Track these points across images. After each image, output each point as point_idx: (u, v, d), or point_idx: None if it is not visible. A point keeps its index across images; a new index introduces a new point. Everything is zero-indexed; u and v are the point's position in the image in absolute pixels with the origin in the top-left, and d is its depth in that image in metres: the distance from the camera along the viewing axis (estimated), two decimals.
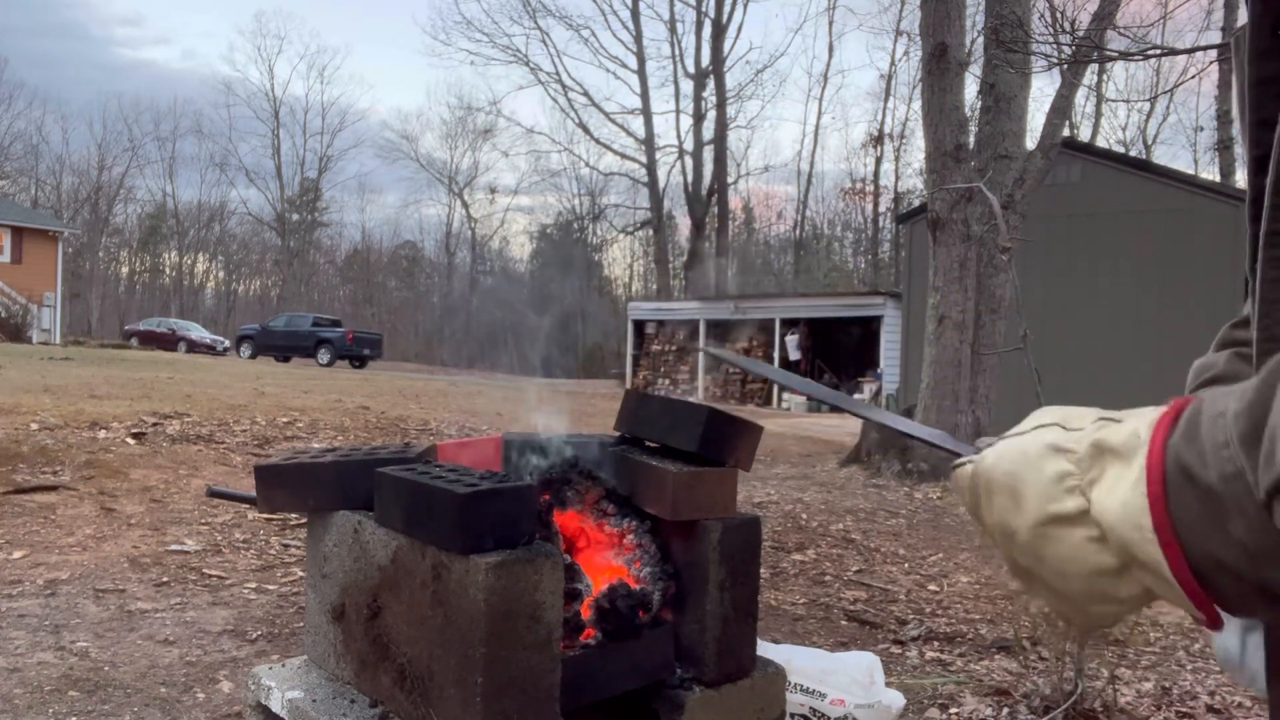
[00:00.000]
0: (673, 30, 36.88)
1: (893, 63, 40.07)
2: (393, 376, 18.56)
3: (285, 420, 7.79)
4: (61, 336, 29.37)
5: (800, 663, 2.39)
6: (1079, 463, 0.53)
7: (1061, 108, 8.85)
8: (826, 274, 42.67)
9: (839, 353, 23.33)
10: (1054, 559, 0.54)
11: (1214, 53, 6.41)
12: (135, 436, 6.25)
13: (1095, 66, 16.66)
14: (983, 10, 9.22)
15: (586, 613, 1.56)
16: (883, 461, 8.37)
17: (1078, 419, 0.56)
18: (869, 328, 22.37)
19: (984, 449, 0.61)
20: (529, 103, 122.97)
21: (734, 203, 41.25)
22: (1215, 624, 0.51)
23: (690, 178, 35.87)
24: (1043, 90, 17.30)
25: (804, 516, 6.11)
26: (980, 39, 9.98)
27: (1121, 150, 30.26)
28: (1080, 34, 6.46)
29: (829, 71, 56.86)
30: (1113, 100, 34.09)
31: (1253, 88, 0.62)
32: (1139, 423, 0.52)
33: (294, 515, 3.92)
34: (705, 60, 35.78)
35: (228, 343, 31.77)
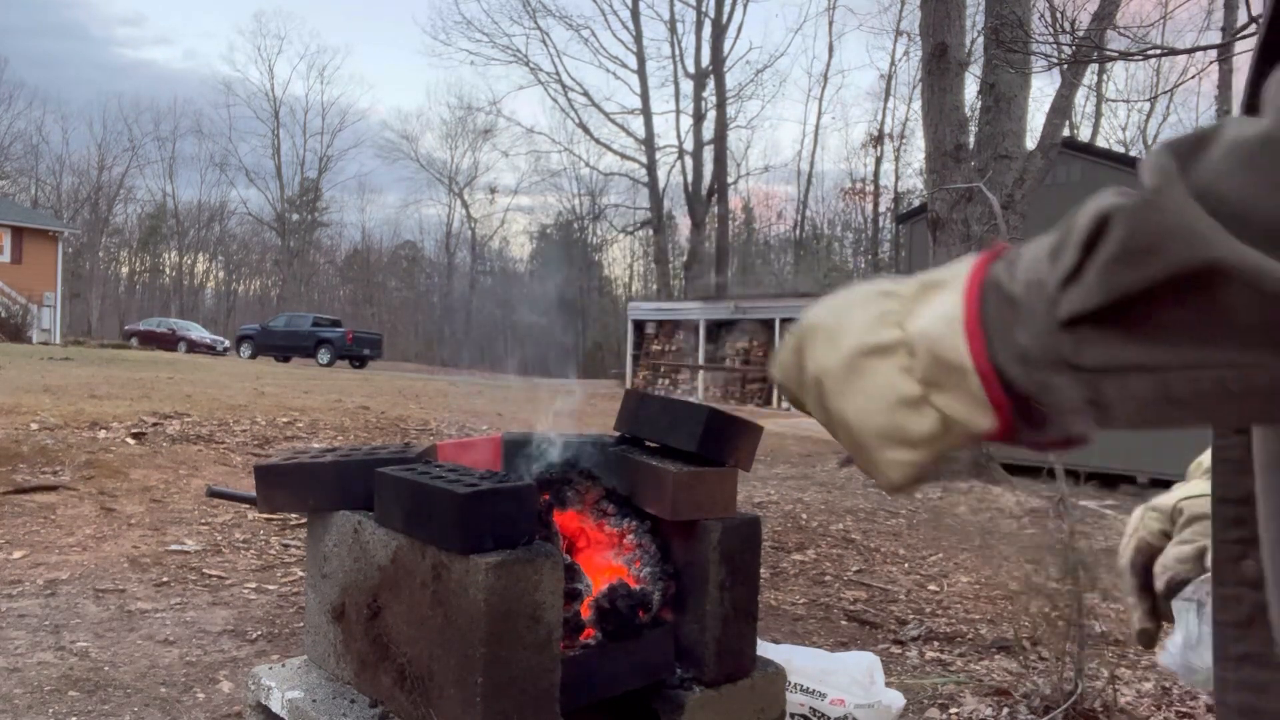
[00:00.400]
0: (673, 30, 36.91)
1: (893, 63, 40.08)
2: (393, 376, 18.56)
3: (285, 420, 7.79)
4: (61, 336, 29.36)
5: (800, 663, 2.39)
6: (903, 301, 0.54)
7: (1061, 108, 8.84)
8: (826, 274, 42.67)
9: None
10: (860, 394, 0.53)
11: (1214, 53, 6.41)
12: (135, 436, 6.25)
13: (1095, 66, 16.66)
14: (983, 10, 9.23)
15: (586, 613, 1.56)
16: None
17: (910, 280, 0.57)
18: None
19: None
20: (529, 103, 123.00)
21: (734, 203, 41.26)
22: (1007, 429, 0.51)
23: (690, 178, 35.86)
24: (1043, 90, 17.30)
25: (804, 516, 6.11)
26: (980, 39, 9.99)
27: (1121, 150, 30.27)
28: (1080, 34, 6.46)
29: (829, 71, 56.85)
30: (1113, 100, 34.13)
31: (1249, 85, 0.61)
32: (961, 265, 0.53)
33: (294, 515, 3.92)
34: (705, 60, 35.79)
35: (228, 343, 31.76)
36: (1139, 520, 0.82)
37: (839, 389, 0.54)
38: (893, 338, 0.53)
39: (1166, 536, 0.79)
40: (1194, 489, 0.77)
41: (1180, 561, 0.75)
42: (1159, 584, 0.76)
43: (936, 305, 0.52)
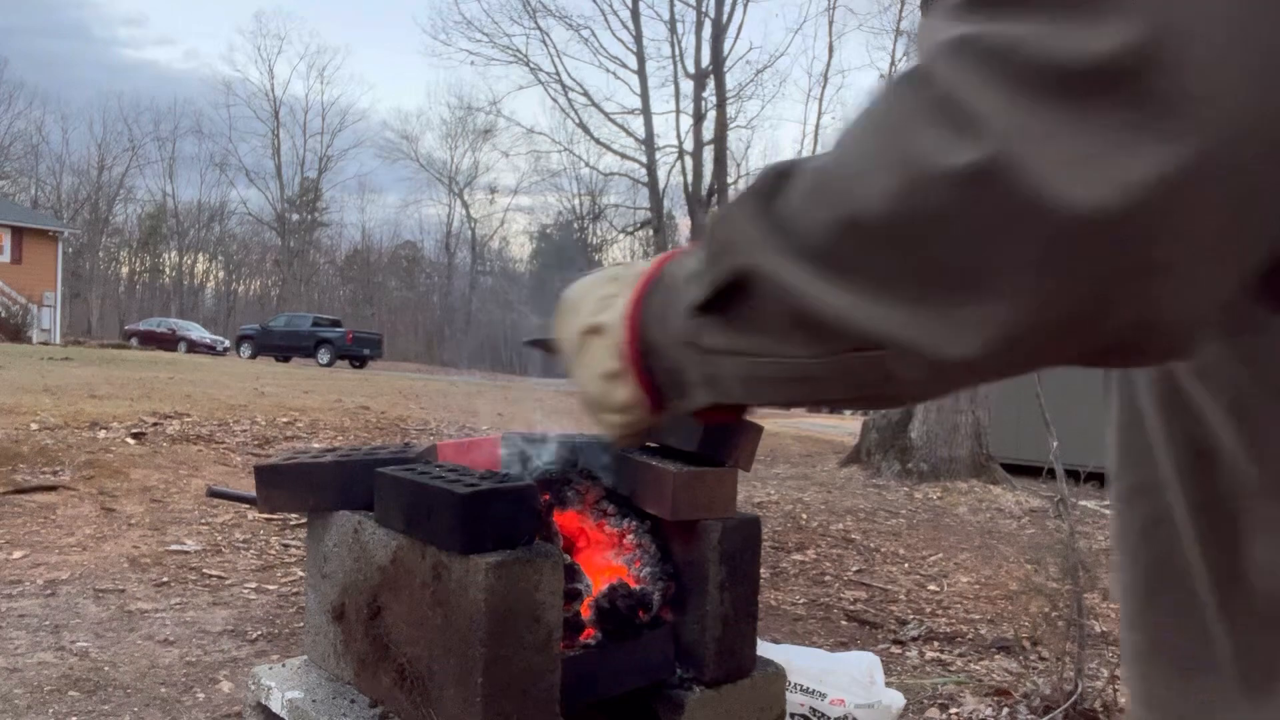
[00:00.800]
0: (673, 30, 36.83)
1: (893, 63, 40.03)
2: (393, 376, 18.57)
3: (285, 420, 7.79)
4: (61, 337, 29.36)
5: (800, 663, 2.39)
6: (621, 288, 0.62)
7: None
8: None
9: None
10: (584, 365, 0.64)
11: None
12: (135, 436, 6.25)
13: None
14: None
15: (586, 613, 1.56)
16: (883, 461, 8.37)
17: (635, 265, 0.64)
18: None
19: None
20: (529, 103, 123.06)
21: None
22: (656, 405, 0.60)
23: (690, 178, 35.85)
24: None
25: (804, 516, 6.11)
26: None
27: None
28: None
29: (829, 71, 56.74)
30: None
31: None
32: (658, 258, 0.61)
33: (294, 515, 3.92)
34: (705, 60, 35.77)
35: (228, 343, 31.79)
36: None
37: (574, 359, 0.65)
38: (604, 320, 0.62)
39: None
40: None
41: None
42: None
43: (628, 294, 0.61)
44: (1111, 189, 0.34)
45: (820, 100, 55.72)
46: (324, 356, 26.35)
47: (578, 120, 38.59)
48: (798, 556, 5.04)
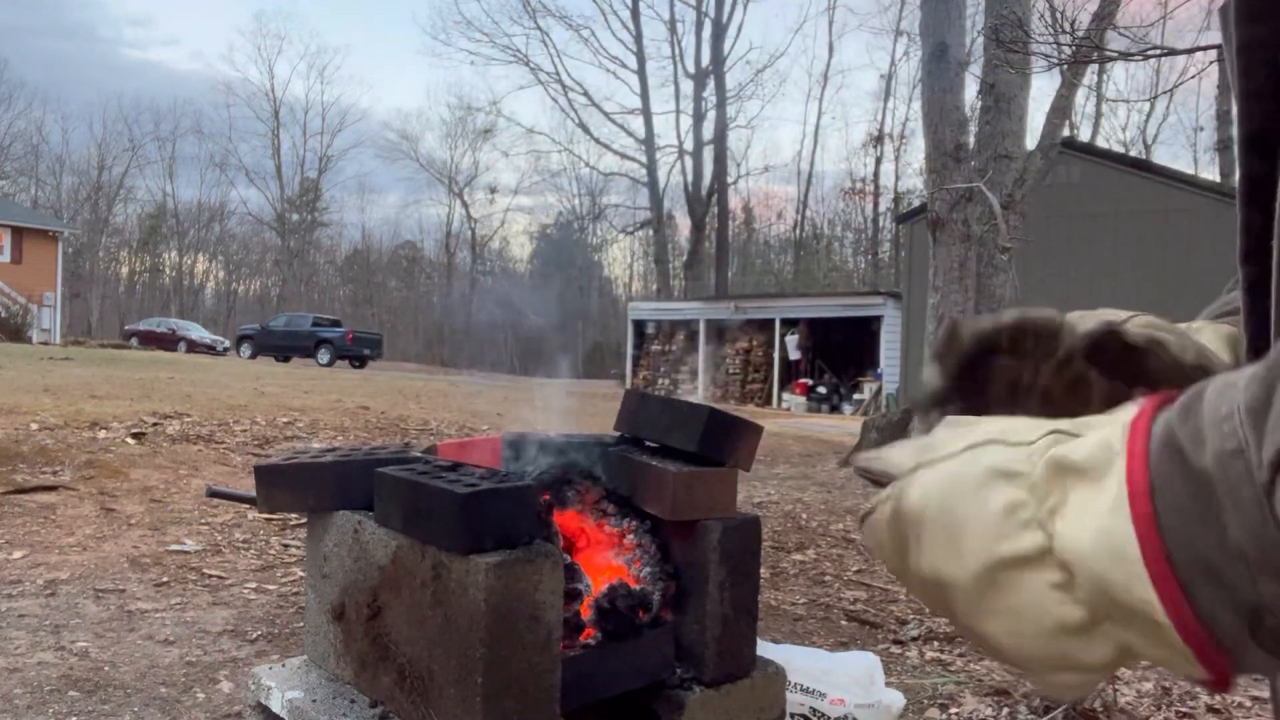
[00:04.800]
0: (673, 30, 36.87)
1: (893, 63, 40.11)
2: (393, 376, 18.57)
3: (285, 420, 7.79)
4: (61, 336, 29.37)
5: (800, 663, 2.39)
6: (1033, 488, 0.42)
7: (1061, 108, 8.85)
8: (826, 274, 42.70)
9: (839, 353, 23.34)
10: (1007, 614, 0.42)
11: (1214, 53, 6.41)
12: (135, 436, 6.25)
13: (1095, 66, 16.66)
14: (983, 10, 9.22)
15: (586, 613, 1.56)
16: None
17: (1021, 431, 0.45)
18: (869, 328, 22.38)
19: (888, 471, 0.49)
20: (529, 103, 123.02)
21: (734, 203, 41.27)
22: (1223, 681, 0.39)
23: (690, 178, 35.87)
24: (1043, 90, 17.27)
25: (804, 516, 6.11)
26: (980, 39, 9.98)
27: (1121, 150, 30.28)
28: (1080, 34, 6.46)
29: (829, 71, 56.84)
30: (1113, 100, 34.15)
31: (1239, 53, 0.57)
32: (1107, 430, 0.41)
33: (294, 515, 3.92)
34: (705, 60, 35.79)
35: (228, 343, 31.77)
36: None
37: (975, 607, 0.44)
38: (1034, 545, 0.41)
39: None
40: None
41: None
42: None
43: (1091, 516, 0.39)
44: None
45: (820, 100, 55.78)
46: (324, 356, 26.35)
47: (578, 120, 38.63)
48: (798, 556, 5.04)
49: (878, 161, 41.01)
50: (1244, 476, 0.35)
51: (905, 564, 0.47)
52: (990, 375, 0.73)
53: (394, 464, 1.57)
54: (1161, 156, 33.79)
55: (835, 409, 21.94)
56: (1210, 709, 2.95)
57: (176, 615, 3.44)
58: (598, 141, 39.26)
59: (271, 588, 3.87)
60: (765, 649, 1.99)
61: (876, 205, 41.94)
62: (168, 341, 29.73)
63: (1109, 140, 34.15)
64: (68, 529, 4.44)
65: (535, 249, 48.94)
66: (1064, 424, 0.44)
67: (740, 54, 76.75)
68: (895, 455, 0.50)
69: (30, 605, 3.42)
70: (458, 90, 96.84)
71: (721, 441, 1.67)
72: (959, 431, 0.47)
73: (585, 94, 38.00)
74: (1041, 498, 0.42)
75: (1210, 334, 0.74)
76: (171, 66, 78.93)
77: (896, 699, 2.45)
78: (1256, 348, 0.58)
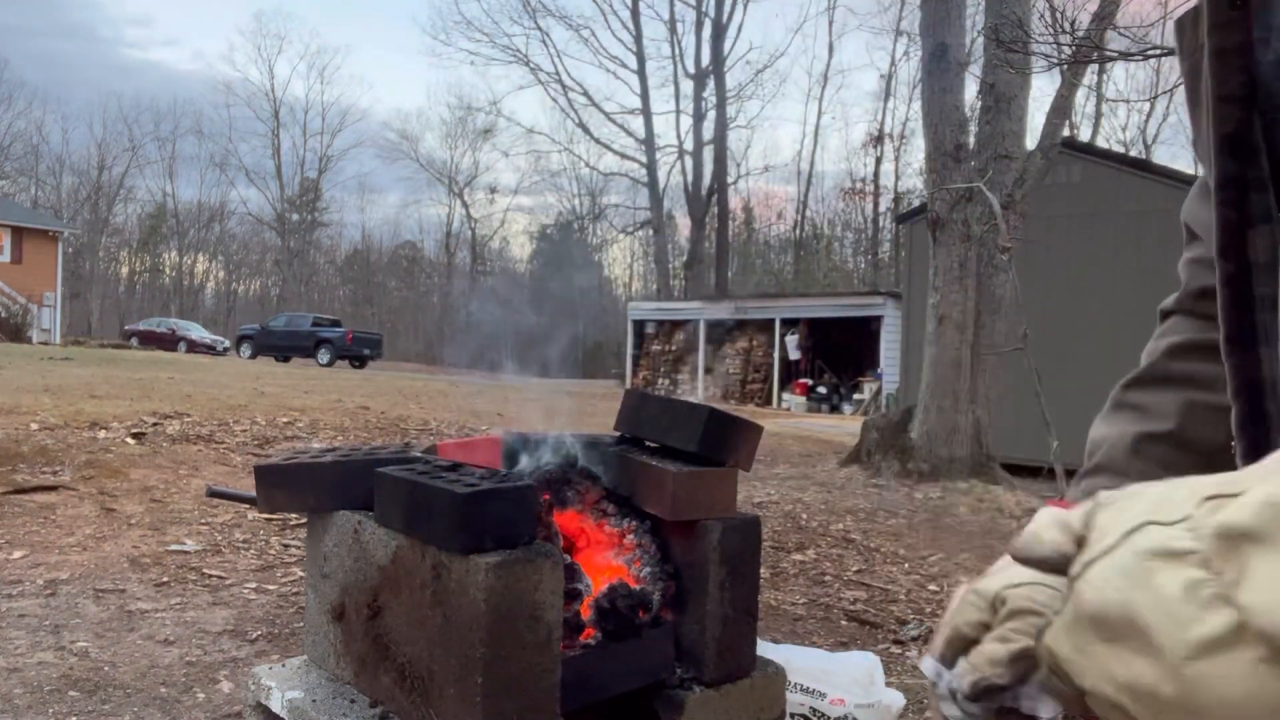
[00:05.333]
0: (673, 30, 36.85)
1: (893, 63, 40.05)
2: (393, 376, 18.57)
3: (285, 420, 7.79)
4: (61, 336, 29.37)
5: (800, 663, 2.39)
6: (1205, 563, 0.39)
7: (1061, 108, 8.84)
8: (826, 274, 42.69)
9: (839, 353, 23.34)
10: (1219, 705, 0.37)
11: None
12: (135, 436, 6.25)
13: (1095, 67, 16.67)
14: (983, 10, 9.22)
15: (586, 613, 1.56)
16: (883, 461, 8.37)
17: (1170, 506, 0.41)
18: (869, 328, 22.38)
19: (1048, 559, 0.46)
20: (529, 103, 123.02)
21: (734, 203, 41.26)
22: None
23: (690, 178, 35.85)
24: (1043, 90, 17.27)
25: (804, 516, 6.11)
26: (980, 39, 9.98)
27: (1121, 150, 30.28)
28: (1080, 34, 6.45)
29: (829, 71, 56.75)
30: (1113, 100, 34.14)
31: (1212, 60, 0.61)
32: (1269, 485, 0.38)
33: (294, 515, 3.92)
34: (705, 60, 35.77)
35: (228, 343, 31.77)
36: (958, 605, 0.64)
37: (1184, 705, 0.39)
38: (1227, 623, 0.37)
39: (986, 628, 0.60)
40: (1021, 575, 0.57)
41: (992, 664, 0.56)
42: (963, 684, 0.58)
43: (1276, 570, 0.37)
44: None
45: (820, 100, 55.76)
46: (324, 356, 26.35)
47: (578, 120, 38.61)
48: (798, 556, 5.04)
49: (878, 161, 41.02)
50: None
51: (1083, 682, 0.42)
52: None
53: (394, 464, 1.57)
54: (1161, 156, 33.79)
55: (835, 409, 21.94)
56: None
57: (176, 615, 3.44)
58: (598, 141, 39.26)
59: (271, 588, 3.87)
60: (765, 649, 1.99)
61: (876, 205, 41.96)
62: (168, 341, 29.73)
63: (1109, 140, 34.18)
64: (68, 529, 4.44)
65: (535, 249, 48.98)
66: (1213, 485, 0.41)
67: (740, 54, 76.75)
68: (1051, 536, 0.46)
69: (30, 605, 3.42)
70: (458, 90, 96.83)
71: (721, 441, 1.67)
72: (1113, 513, 0.44)
73: (585, 94, 38.00)
74: (1219, 571, 0.38)
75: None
76: (171, 66, 78.93)
77: (896, 699, 2.45)
78: (1232, 337, 0.62)
